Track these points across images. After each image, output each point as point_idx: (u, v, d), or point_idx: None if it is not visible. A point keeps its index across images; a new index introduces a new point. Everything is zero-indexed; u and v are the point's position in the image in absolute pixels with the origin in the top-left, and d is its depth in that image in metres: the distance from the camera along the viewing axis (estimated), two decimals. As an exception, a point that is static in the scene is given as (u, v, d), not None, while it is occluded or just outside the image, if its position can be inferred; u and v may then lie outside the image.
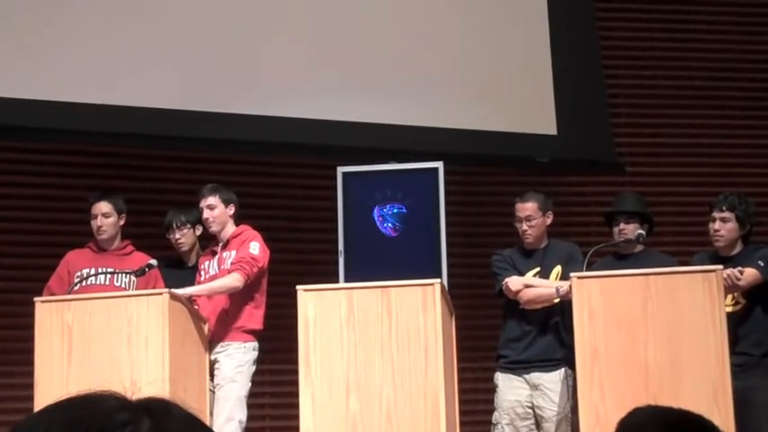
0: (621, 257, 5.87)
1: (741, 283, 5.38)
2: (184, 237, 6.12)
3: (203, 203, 5.92)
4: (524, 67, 7.39)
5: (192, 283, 5.83)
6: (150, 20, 6.76)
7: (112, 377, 4.78)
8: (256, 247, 5.76)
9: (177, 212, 6.16)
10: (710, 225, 5.73)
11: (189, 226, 6.12)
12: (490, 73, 7.31)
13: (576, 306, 5.08)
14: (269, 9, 7.00)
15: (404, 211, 6.69)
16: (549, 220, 5.94)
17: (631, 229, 5.83)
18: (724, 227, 5.68)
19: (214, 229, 5.93)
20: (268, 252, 5.84)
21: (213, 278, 5.80)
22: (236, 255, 5.76)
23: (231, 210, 5.94)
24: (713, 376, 4.90)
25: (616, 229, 5.87)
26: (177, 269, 6.12)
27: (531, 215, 5.87)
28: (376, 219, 6.69)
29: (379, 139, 7.00)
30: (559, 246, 5.96)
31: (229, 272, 5.70)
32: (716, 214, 5.71)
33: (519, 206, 5.91)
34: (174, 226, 6.11)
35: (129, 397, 1.12)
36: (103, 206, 5.96)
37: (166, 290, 5.27)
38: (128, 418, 1.07)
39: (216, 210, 5.90)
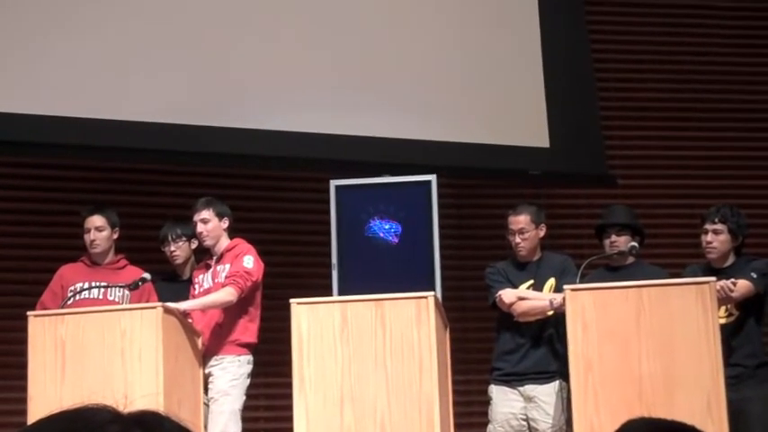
0: (613, 270, 5.88)
1: (734, 294, 5.39)
2: (179, 250, 6.12)
3: (197, 217, 5.92)
4: (517, 81, 7.41)
5: (186, 296, 5.82)
6: (144, 34, 6.77)
7: (106, 391, 4.78)
8: (250, 261, 5.75)
9: (173, 225, 6.15)
10: (703, 237, 5.74)
11: (184, 239, 6.12)
12: (483, 86, 7.32)
13: (569, 318, 5.08)
14: (262, 24, 7.01)
15: (398, 230, 6.69)
16: (542, 233, 5.95)
17: (623, 242, 5.84)
18: (716, 239, 5.69)
19: (208, 242, 5.92)
20: (262, 265, 5.84)
21: (207, 291, 5.80)
22: (230, 268, 5.75)
23: (225, 223, 5.94)
24: (707, 388, 4.90)
25: (607, 242, 5.88)
26: (172, 282, 6.11)
27: (524, 228, 5.87)
28: (369, 230, 6.70)
29: (371, 152, 7.00)
30: (553, 258, 5.97)
31: (223, 286, 5.69)
32: (708, 226, 5.72)
33: (512, 219, 5.91)
34: (170, 239, 6.11)
35: (122, 410, 1.13)
36: (97, 220, 5.95)
37: (160, 304, 5.26)
38: (119, 430, 1.07)
39: (209, 223, 5.90)
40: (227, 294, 5.63)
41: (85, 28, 6.68)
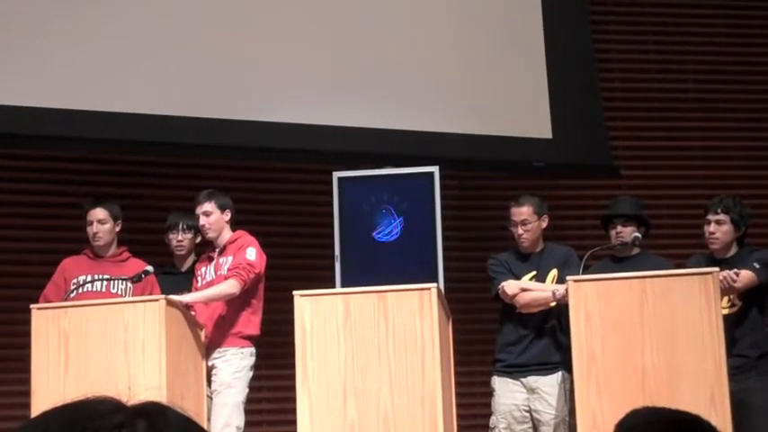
0: (618, 260, 5.88)
1: (737, 285, 5.39)
2: (186, 240, 6.13)
3: (199, 210, 5.92)
4: (519, 72, 7.40)
5: (185, 287, 5.83)
6: (146, 26, 6.76)
7: (109, 384, 4.76)
8: (253, 253, 5.75)
9: (182, 215, 6.15)
10: (705, 228, 5.74)
11: (193, 231, 6.13)
12: (485, 77, 7.32)
13: (572, 309, 5.08)
14: (265, 15, 7.00)
15: (401, 223, 6.69)
16: (544, 224, 5.94)
17: (628, 232, 5.83)
18: (719, 229, 5.69)
19: (210, 235, 5.92)
20: (264, 258, 5.84)
21: (210, 284, 5.80)
22: (233, 261, 5.75)
23: (227, 215, 5.94)
24: (710, 379, 4.89)
25: (613, 232, 5.87)
26: (170, 275, 6.11)
27: (526, 219, 5.87)
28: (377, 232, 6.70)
29: (374, 143, 7.00)
30: (555, 249, 5.97)
31: (226, 278, 5.69)
32: (711, 217, 5.72)
33: (514, 210, 5.91)
34: (180, 227, 6.11)
35: (126, 402, 1.13)
36: (99, 212, 5.94)
37: (163, 296, 5.26)
38: (123, 420, 1.07)
39: (212, 216, 5.90)
40: (230, 287, 5.63)
41: (93, 20, 6.68)
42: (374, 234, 6.69)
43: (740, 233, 5.74)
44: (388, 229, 6.69)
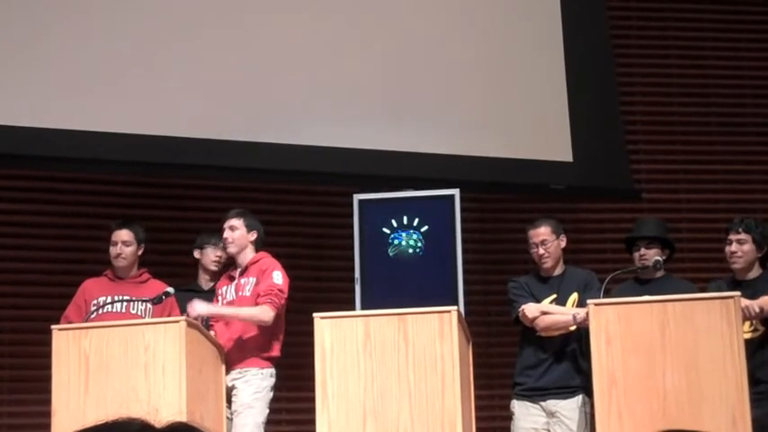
0: (642, 282, 5.86)
1: (762, 313, 5.35)
2: (224, 257, 6.17)
3: (226, 225, 5.92)
4: (540, 95, 7.41)
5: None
6: (171, 50, 6.81)
7: (130, 405, 4.78)
8: (279, 277, 5.74)
9: (215, 234, 6.19)
10: (727, 248, 5.70)
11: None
12: (506, 100, 7.33)
13: (593, 333, 5.06)
14: (288, 38, 7.04)
15: (422, 244, 6.69)
16: (563, 243, 5.93)
17: (651, 255, 5.81)
18: (741, 248, 5.65)
19: (231, 250, 5.91)
20: (288, 281, 5.84)
21: (231, 304, 5.80)
22: (262, 286, 5.72)
23: (253, 236, 5.93)
24: (732, 404, 4.86)
25: (636, 254, 5.85)
26: (194, 292, 6.12)
27: (545, 239, 5.86)
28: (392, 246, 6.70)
29: (395, 166, 7.01)
30: (576, 272, 5.95)
31: (257, 303, 5.67)
32: (732, 236, 5.68)
33: (532, 232, 5.90)
34: (217, 244, 6.16)
35: (152, 422, 1.13)
36: (124, 234, 5.98)
37: (183, 317, 5.27)
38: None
39: (237, 231, 5.90)
40: (264, 313, 5.61)
41: (122, 42, 6.72)
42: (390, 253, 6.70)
43: (762, 253, 5.70)
44: (397, 243, 6.69)
